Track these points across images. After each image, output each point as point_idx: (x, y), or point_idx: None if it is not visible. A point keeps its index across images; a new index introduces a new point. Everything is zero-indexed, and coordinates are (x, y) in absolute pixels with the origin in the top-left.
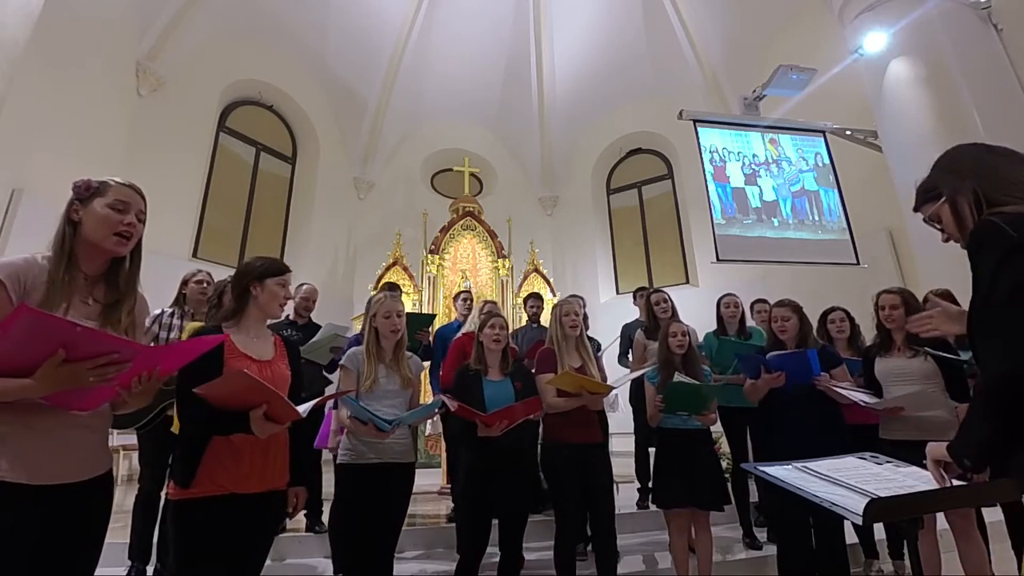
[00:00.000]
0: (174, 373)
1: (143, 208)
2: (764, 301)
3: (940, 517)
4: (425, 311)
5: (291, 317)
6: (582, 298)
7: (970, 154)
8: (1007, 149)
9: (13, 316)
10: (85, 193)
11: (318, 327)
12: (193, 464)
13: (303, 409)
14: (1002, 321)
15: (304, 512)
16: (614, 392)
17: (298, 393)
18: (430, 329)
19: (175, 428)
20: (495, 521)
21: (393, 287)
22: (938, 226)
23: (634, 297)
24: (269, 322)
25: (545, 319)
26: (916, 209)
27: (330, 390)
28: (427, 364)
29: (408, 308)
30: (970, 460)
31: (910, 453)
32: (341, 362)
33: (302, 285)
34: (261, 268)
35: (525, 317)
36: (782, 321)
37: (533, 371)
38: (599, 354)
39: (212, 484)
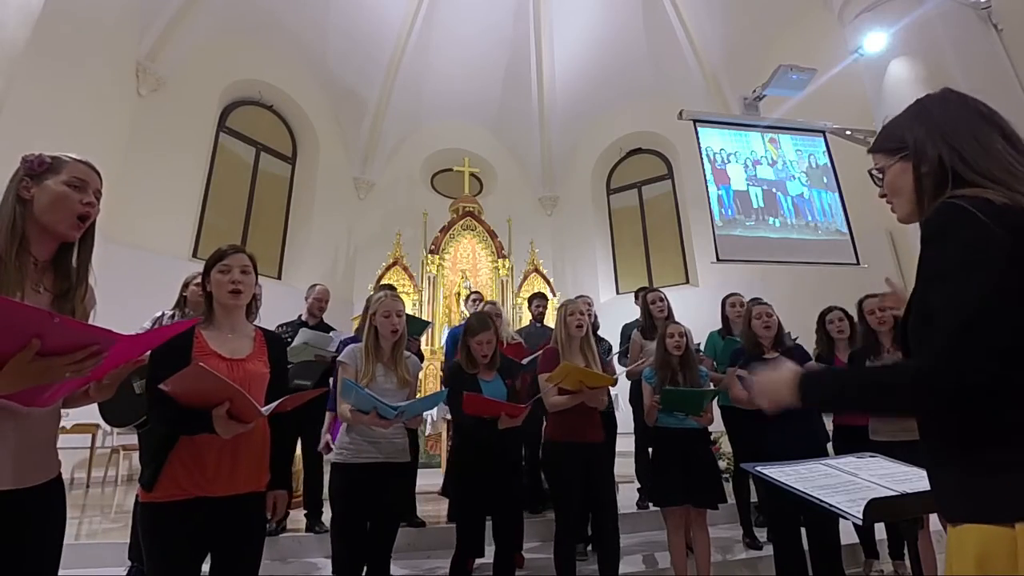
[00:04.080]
0: (143, 361)
1: (100, 187)
2: (757, 300)
3: (934, 517)
4: (425, 311)
5: (303, 317)
6: (589, 298)
7: (953, 112)
8: (991, 114)
9: None
10: (38, 169)
11: (329, 328)
12: (157, 466)
13: (267, 408)
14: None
15: (304, 512)
16: (614, 391)
17: (281, 391)
18: (421, 337)
19: None
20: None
21: (390, 288)
22: (880, 177)
23: (636, 297)
24: (282, 322)
25: (549, 319)
26: (871, 151)
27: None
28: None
29: (408, 308)
30: (817, 406)
31: (902, 453)
32: (340, 358)
33: (315, 286)
34: (207, 262)
35: (526, 317)
36: (766, 317)
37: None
38: (610, 356)
39: (176, 487)
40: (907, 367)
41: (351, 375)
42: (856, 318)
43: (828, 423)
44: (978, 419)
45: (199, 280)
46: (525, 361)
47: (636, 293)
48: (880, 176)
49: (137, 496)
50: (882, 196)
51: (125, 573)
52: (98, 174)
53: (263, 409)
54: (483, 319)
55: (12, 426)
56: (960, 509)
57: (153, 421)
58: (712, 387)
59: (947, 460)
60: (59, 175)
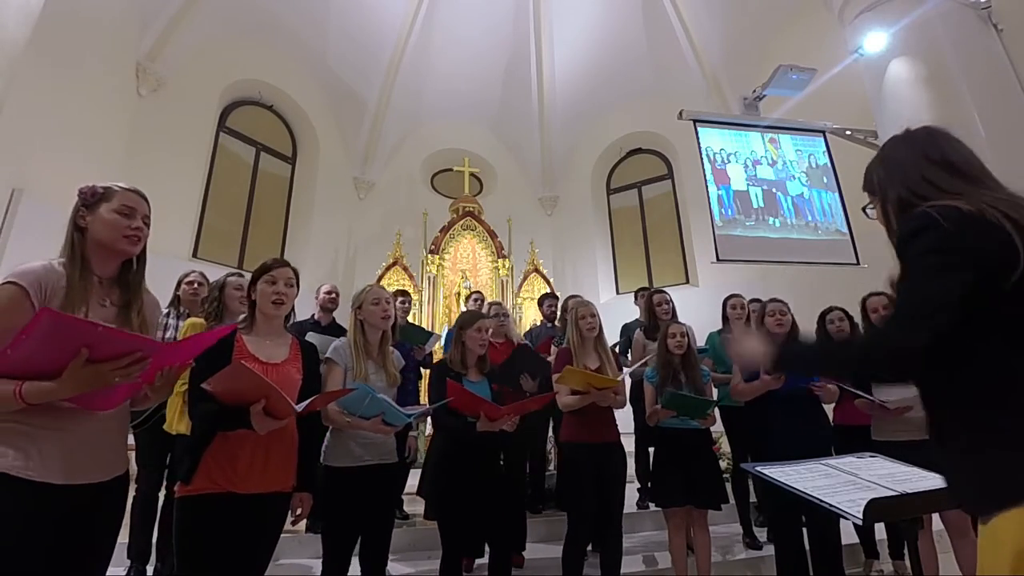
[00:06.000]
0: (190, 364)
1: (148, 213)
2: (757, 300)
3: (936, 518)
4: (425, 311)
5: (316, 317)
6: (580, 297)
7: (902, 157)
8: (938, 151)
9: (35, 320)
10: (91, 199)
11: (340, 328)
12: (194, 461)
13: (300, 405)
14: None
15: None
16: None
17: (311, 396)
18: (424, 347)
19: (167, 427)
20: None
21: (404, 294)
22: (871, 206)
23: (635, 297)
24: (292, 321)
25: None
26: (863, 189)
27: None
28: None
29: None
30: (787, 370)
31: (904, 453)
32: (327, 355)
33: (321, 286)
34: (255, 272)
35: (527, 317)
36: (780, 316)
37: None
38: None
39: (209, 481)
40: (856, 340)
41: (340, 374)
42: (860, 316)
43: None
44: (999, 404)
45: (191, 278)
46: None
47: (636, 293)
48: (872, 207)
49: (135, 496)
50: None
51: (125, 573)
52: (146, 201)
53: (297, 406)
54: (473, 312)
55: (96, 427)
56: (987, 497)
57: (193, 418)
58: (714, 387)
59: (970, 449)
60: (111, 203)
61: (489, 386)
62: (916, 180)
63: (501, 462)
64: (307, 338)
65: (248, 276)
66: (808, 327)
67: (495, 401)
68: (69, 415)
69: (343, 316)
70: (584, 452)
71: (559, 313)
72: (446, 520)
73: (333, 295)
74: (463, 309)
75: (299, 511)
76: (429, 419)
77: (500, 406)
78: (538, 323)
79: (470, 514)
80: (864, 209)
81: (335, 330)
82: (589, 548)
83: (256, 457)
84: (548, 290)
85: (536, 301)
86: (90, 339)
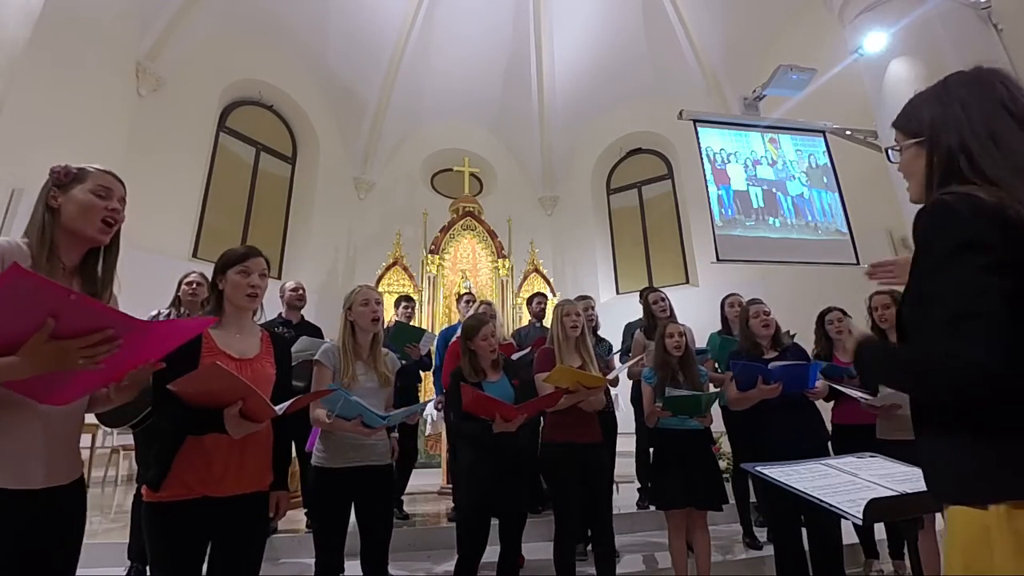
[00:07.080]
0: (161, 365)
1: (124, 196)
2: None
3: (938, 517)
4: (425, 311)
5: (284, 315)
6: (591, 298)
7: (975, 101)
8: (1016, 103)
9: (3, 277)
10: (64, 179)
11: (311, 326)
12: (165, 465)
13: (281, 407)
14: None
15: (304, 511)
16: (614, 391)
17: (285, 392)
18: (419, 344)
19: None
20: (495, 521)
21: (409, 299)
22: (896, 150)
23: (640, 296)
24: (262, 321)
25: (548, 319)
26: (893, 124)
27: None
28: (426, 373)
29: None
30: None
31: (906, 453)
32: (316, 357)
33: (285, 283)
34: (223, 260)
35: (526, 317)
36: (764, 316)
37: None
38: (611, 355)
39: (182, 487)
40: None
41: (328, 377)
42: (866, 314)
43: (827, 423)
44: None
45: (190, 279)
46: (514, 357)
47: (641, 293)
48: (897, 151)
49: (135, 496)
50: (899, 170)
51: (125, 573)
52: (122, 183)
53: (277, 408)
54: (478, 317)
55: (40, 426)
56: (946, 487)
57: (160, 421)
58: (712, 387)
59: (943, 436)
60: (85, 184)
61: (510, 382)
62: (979, 135)
63: (524, 462)
64: (299, 340)
65: None
66: (809, 327)
67: (517, 396)
68: (27, 413)
69: (310, 313)
70: (567, 452)
71: None
72: (476, 526)
73: (300, 292)
74: (460, 308)
75: (276, 510)
76: (430, 421)
77: (515, 406)
78: (527, 323)
79: (491, 518)
80: (887, 151)
81: (307, 328)
82: (589, 548)
83: (232, 458)
84: (548, 290)
85: (527, 299)
86: (59, 306)
